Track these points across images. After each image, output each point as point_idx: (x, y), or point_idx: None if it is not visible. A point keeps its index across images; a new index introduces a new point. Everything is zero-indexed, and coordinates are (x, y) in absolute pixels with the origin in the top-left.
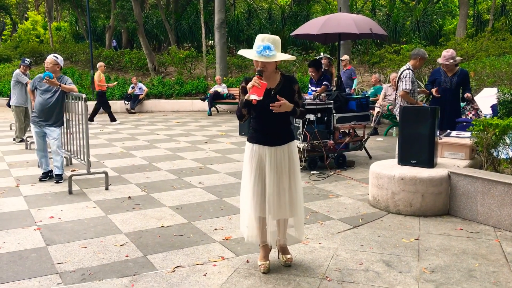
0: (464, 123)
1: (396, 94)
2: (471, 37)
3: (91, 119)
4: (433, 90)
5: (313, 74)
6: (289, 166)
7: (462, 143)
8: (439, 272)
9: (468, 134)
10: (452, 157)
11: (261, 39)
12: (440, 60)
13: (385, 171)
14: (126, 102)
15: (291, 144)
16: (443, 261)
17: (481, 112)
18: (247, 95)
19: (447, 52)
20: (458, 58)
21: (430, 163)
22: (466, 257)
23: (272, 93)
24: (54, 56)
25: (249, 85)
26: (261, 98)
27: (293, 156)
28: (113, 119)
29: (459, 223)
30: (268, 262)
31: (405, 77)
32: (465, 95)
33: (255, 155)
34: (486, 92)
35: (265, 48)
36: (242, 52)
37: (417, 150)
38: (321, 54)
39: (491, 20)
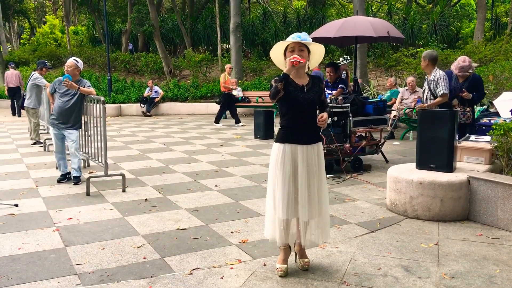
0: (484, 127)
1: (421, 98)
2: (489, 41)
3: (217, 121)
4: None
5: (331, 74)
6: (317, 166)
7: (481, 148)
8: (459, 278)
9: (487, 138)
10: (471, 161)
11: (295, 34)
12: (455, 71)
13: (403, 175)
14: (142, 105)
15: (319, 144)
16: (463, 266)
17: (468, 116)
18: (289, 58)
19: (464, 62)
20: (475, 65)
21: (449, 168)
22: (487, 263)
23: (305, 89)
24: (74, 59)
25: (291, 56)
26: (302, 62)
27: (321, 156)
28: (237, 120)
29: (479, 228)
30: (286, 266)
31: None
32: (461, 93)
33: (288, 156)
34: (506, 96)
35: (302, 35)
36: (275, 47)
37: (436, 154)
38: (346, 58)
39: (510, 23)
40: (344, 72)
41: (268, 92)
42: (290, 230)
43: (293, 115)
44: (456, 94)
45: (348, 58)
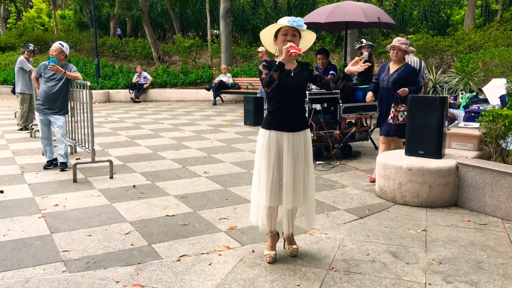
0: (473, 114)
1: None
2: (479, 27)
3: None
4: (368, 95)
5: (323, 61)
6: (304, 154)
7: (470, 134)
8: (447, 263)
9: (476, 125)
10: (460, 148)
11: (290, 18)
12: (392, 44)
13: (392, 161)
14: (130, 91)
15: (307, 132)
16: (450, 252)
17: (401, 116)
18: (286, 47)
19: (402, 38)
20: (411, 49)
21: (438, 154)
22: (474, 249)
23: (292, 74)
24: (59, 43)
25: (287, 44)
26: (301, 53)
27: (308, 144)
28: None
29: (466, 214)
30: (274, 252)
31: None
32: (399, 91)
33: (273, 142)
34: (495, 83)
35: (297, 20)
36: (268, 27)
37: (425, 140)
38: (363, 41)
39: (500, 10)
40: (366, 52)
41: (258, 78)
42: (276, 217)
43: (278, 99)
44: (383, 86)
45: (366, 41)
